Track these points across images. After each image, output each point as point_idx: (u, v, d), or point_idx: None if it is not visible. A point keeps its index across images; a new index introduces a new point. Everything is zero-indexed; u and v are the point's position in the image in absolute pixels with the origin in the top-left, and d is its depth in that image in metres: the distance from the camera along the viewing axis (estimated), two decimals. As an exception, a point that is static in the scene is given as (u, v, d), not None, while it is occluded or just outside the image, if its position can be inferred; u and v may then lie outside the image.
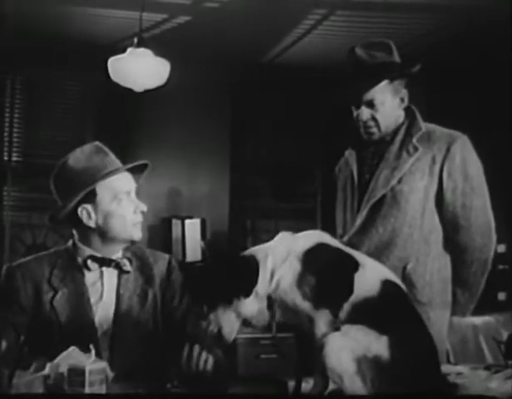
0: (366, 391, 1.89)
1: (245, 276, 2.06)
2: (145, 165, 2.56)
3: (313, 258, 2.05)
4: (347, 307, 1.97)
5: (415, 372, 1.91)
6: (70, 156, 2.48)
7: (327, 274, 2.02)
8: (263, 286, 2.06)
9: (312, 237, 2.12)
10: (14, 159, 5.79)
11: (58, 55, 5.43)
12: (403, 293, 2.07)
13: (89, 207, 2.43)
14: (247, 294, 2.05)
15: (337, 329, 1.96)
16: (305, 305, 2.03)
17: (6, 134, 5.74)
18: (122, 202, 2.44)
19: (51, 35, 5.29)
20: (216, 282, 2.09)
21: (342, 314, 1.97)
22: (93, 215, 2.43)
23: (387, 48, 2.75)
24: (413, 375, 1.90)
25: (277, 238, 2.14)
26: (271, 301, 2.08)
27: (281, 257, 2.07)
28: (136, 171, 2.54)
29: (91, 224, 2.44)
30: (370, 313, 1.95)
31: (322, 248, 2.08)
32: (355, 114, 2.76)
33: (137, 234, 2.48)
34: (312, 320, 2.03)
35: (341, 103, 2.84)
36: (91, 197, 2.42)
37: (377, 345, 1.90)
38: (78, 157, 2.46)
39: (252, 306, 2.07)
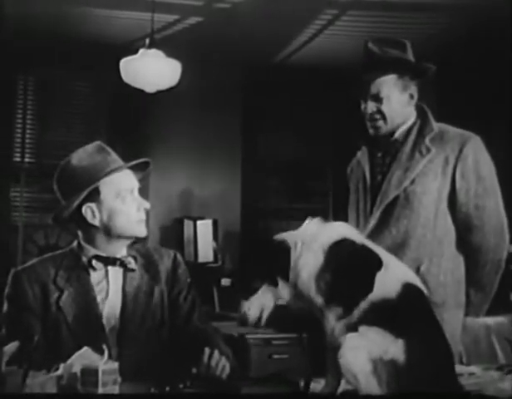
0: (380, 391, 1.89)
1: (280, 260, 2.07)
2: (147, 163, 2.57)
3: (336, 253, 2.04)
4: (364, 305, 1.96)
5: (430, 376, 1.90)
6: (73, 156, 2.49)
7: (345, 271, 2.02)
8: (292, 272, 2.07)
9: (340, 230, 2.11)
10: (27, 160, 5.81)
11: (70, 56, 5.46)
12: (424, 297, 2.05)
13: (93, 205, 2.43)
14: (284, 277, 2.07)
15: (353, 330, 1.95)
16: (318, 299, 2.03)
17: (18, 135, 5.77)
18: (126, 199, 2.45)
19: (63, 36, 5.31)
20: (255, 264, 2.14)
21: (358, 312, 1.97)
22: (97, 214, 2.44)
23: (402, 46, 2.75)
24: (428, 378, 1.90)
25: (306, 224, 2.14)
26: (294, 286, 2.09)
27: (307, 245, 2.07)
28: (139, 170, 2.55)
29: (96, 222, 2.44)
30: (388, 314, 1.94)
31: (347, 243, 2.07)
32: (362, 107, 2.77)
33: (141, 231, 2.49)
34: (323, 314, 2.04)
35: (352, 101, 2.84)
36: (94, 195, 2.43)
37: (394, 348, 1.89)
38: (81, 156, 2.47)
39: (285, 290, 2.08)
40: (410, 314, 1.97)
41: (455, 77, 5.43)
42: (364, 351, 1.91)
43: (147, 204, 2.50)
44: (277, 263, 2.07)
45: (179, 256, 2.62)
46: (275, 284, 2.08)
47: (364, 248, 2.09)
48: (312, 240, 2.07)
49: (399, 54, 2.74)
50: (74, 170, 2.46)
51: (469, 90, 5.67)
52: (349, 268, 2.03)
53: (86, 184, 2.42)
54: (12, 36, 4.92)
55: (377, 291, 1.97)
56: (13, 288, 2.45)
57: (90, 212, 2.44)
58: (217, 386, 2.15)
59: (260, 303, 2.09)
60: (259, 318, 2.10)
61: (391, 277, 2.01)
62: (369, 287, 1.97)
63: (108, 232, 2.46)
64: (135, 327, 2.44)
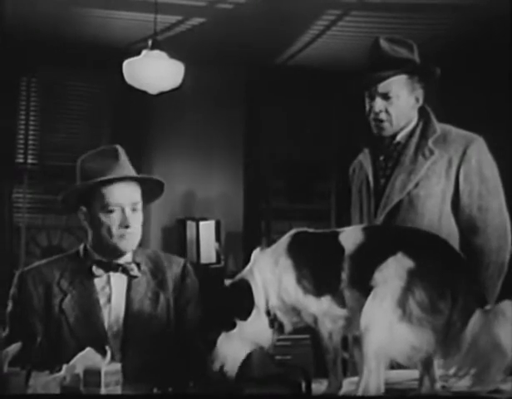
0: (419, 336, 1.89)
1: (241, 299, 2.08)
2: (156, 181, 2.56)
3: (299, 248, 2.10)
4: (346, 265, 2.02)
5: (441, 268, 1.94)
6: (88, 153, 2.50)
7: (315, 255, 2.08)
8: (260, 302, 2.08)
9: (287, 234, 2.16)
10: (29, 161, 5.82)
11: (73, 57, 5.47)
12: (384, 226, 2.25)
13: (84, 209, 2.44)
14: (246, 316, 2.07)
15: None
16: (308, 300, 2.05)
17: (21, 136, 5.78)
18: (111, 213, 2.40)
19: (66, 37, 5.32)
20: (215, 312, 2.14)
21: (345, 275, 2.01)
22: (88, 217, 2.45)
23: (410, 47, 2.75)
24: (443, 273, 1.93)
25: (252, 257, 2.16)
26: (270, 315, 2.09)
27: (269, 265, 2.10)
28: (150, 185, 2.54)
29: (87, 226, 2.46)
30: (369, 257, 1.99)
31: (301, 235, 2.14)
32: (368, 106, 2.75)
33: (122, 245, 2.44)
34: (316, 319, 2.05)
35: (355, 100, 2.84)
36: (88, 200, 2.43)
37: (410, 278, 1.90)
38: (90, 157, 2.48)
39: (254, 326, 2.09)
40: (383, 243, 2.02)
41: (457, 78, 5.43)
42: (388, 300, 1.90)
43: (129, 222, 2.41)
44: (241, 304, 2.08)
45: (189, 265, 2.60)
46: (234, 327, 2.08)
47: (315, 232, 2.17)
48: (270, 260, 2.10)
49: (409, 55, 2.73)
50: (80, 168, 2.48)
51: (470, 90, 5.67)
52: (316, 250, 2.09)
53: (80, 186, 2.44)
54: (16, 37, 4.94)
55: (348, 246, 2.04)
56: (18, 288, 2.46)
57: (82, 215, 2.46)
58: (219, 386, 2.15)
59: (221, 356, 2.09)
60: (224, 372, 2.10)
61: (351, 232, 2.10)
62: (340, 249, 2.03)
63: (98, 239, 2.45)
64: (139, 332, 2.43)
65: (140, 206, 2.47)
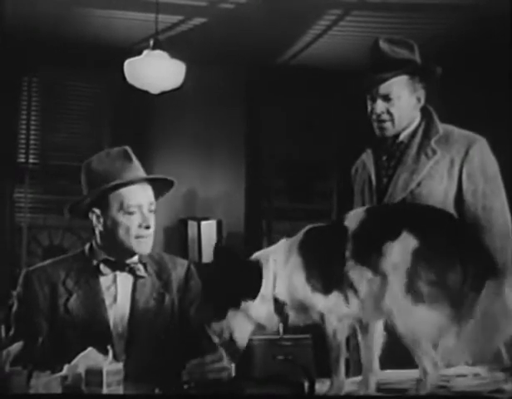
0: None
1: (250, 279, 2.09)
2: (166, 180, 2.54)
3: (310, 244, 2.10)
4: (350, 244, 2.02)
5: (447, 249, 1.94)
6: (95, 156, 2.49)
7: (325, 249, 2.08)
8: (267, 288, 2.08)
9: (302, 230, 2.17)
10: (31, 160, 5.83)
11: (75, 57, 5.47)
12: (387, 205, 2.37)
13: (98, 211, 2.44)
14: (253, 297, 2.07)
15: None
16: (315, 298, 2.05)
17: (23, 136, 5.78)
18: (130, 214, 2.41)
19: (67, 37, 5.33)
20: (223, 286, 2.12)
21: (349, 253, 2.01)
22: (101, 219, 2.44)
23: (410, 47, 2.75)
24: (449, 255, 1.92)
25: (278, 243, 2.17)
26: (278, 304, 2.09)
27: (282, 259, 2.10)
28: (161, 185, 2.53)
29: (99, 227, 2.45)
30: (372, 231, 2.01)
31: (311, 231, 2.15)
32: (369, 108, 2.75)
33: (140, 248, 2.45)
34: (323, 316, 2.05)
35: (357, 101, 2.84)
36: (102, 201, 2.43)
37: (404, 247, 1.92)
38: (101, 159, 2.47)
39: (260, 309, 2.09)
40: (388, 220, 2.04)
41: (457, 78, 5.43)
42: (399, 285, 1.91)
43: (148, 222, 2.44)
44: (249, 283, 2.08)
45: (192, 267, 2.60)
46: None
47: (324, 225, 2.17)
48: (285, 253, 2.11)
49: (409, 55, 2.73)
50: (91, 172, 2.47)
51: (470, 90, 5.67)
52: (325, 243, 2.09)
53: (94, 190, 2.43)
54: (16, 37, 4.94)
55: (351, 225, 2.05)
56: (24, 288, 2.47)
57: (95, 217, 2.45)
58: (221, 386, 2.15)
59: (230, 326, 2.09)
60: (233, 340, 2.10)
61: (354, 213, 2.12)
62: (344, 230, 2.05)
63: (111, 239, 2.45)
64: (144, 333, 2.43)
65: (155, 206, 2.49)
